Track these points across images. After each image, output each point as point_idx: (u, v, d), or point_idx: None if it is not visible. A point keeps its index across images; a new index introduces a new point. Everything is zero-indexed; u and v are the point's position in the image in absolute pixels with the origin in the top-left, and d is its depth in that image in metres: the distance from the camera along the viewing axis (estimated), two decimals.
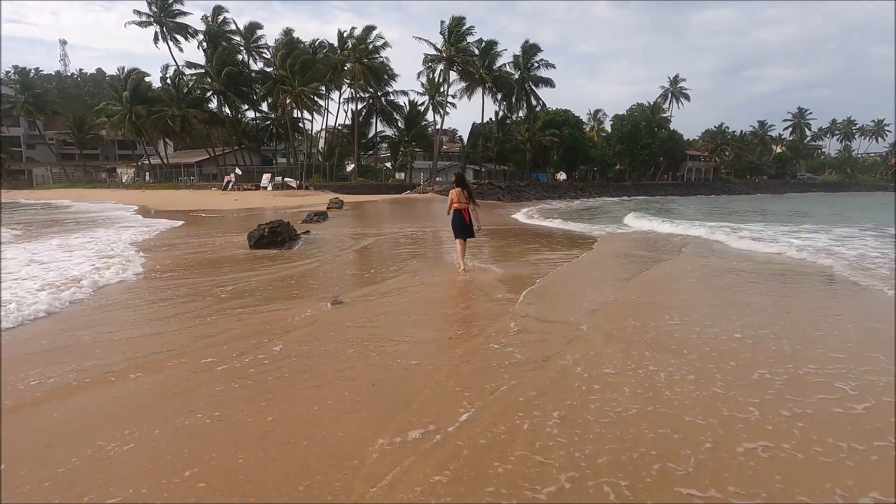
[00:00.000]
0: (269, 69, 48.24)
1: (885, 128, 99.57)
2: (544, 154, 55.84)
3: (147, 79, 50.16)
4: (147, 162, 56.70)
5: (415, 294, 6.52)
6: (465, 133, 65.20)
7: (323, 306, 5.70)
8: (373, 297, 6.29)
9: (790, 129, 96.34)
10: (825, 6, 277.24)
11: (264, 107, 51.34)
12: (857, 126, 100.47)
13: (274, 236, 10.29)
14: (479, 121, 53.09)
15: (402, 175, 51.56)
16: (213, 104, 49.85)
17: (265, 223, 10.51)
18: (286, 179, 42.74)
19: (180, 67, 48.21)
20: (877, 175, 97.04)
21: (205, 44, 47.51)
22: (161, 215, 22.31)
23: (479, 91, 48.59)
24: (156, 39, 46.35)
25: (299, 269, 8.34)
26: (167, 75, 48.98)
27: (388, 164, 54.02)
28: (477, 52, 46.52)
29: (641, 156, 65.59)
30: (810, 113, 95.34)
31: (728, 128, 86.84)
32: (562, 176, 59.78)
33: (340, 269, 8.55)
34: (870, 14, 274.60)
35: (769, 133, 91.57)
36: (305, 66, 42.67)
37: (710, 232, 14.00)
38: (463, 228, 7.94)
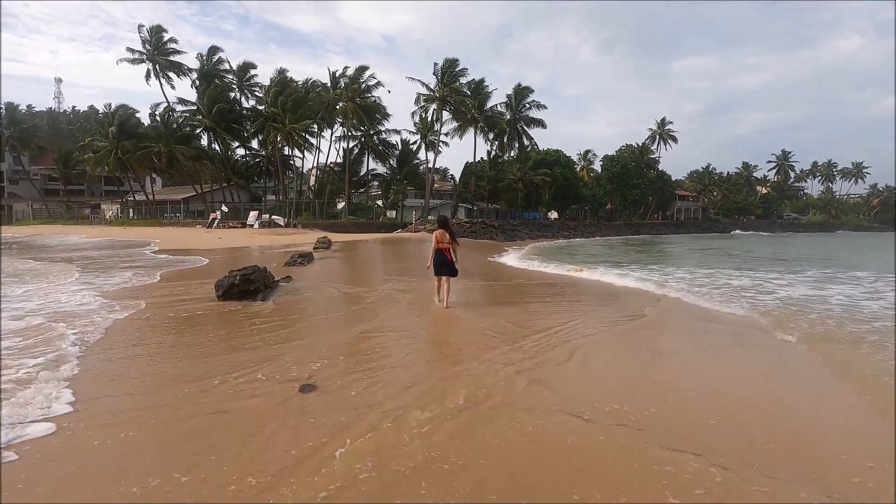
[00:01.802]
0: (260, 107, 48.02)
1: (864, 170, 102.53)
2: (536, 193, 55.67)
3: (137, 115, 49.63)
4: (132, 198, 55.46)
5: (407, 374, 5.27)
6: (456, 172, 65.29)
7: (289, 392, 4.44)
8: (357, 374, 5.04)
9: (775, 170, 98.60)
10: (799, 53, 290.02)
11: (255, 144, 50.89)
12: (838, 168, 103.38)
13: (246, 285, 9.04)
14: (471, 160, 53.14)
15: (394, 213, 50.78)
16: (204, 141, 49.25)
17: (236, 270, 9.27)
18: (273, 217, 41.68)
19: (171, 104, 47.84)
20: (860, 216, 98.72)
21: (197, 81, 47.34)
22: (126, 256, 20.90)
23: (471, 131, 48.70)
24: (147, 76, 46.06)
25: (270, 331, 7.06)
26: (157, 112, 48.51)
27: (380, 202, 53.30)
28: (469, 92, 46.79)
29: (632, 195, 65.93)
30: (793, 155, 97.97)
31: (715, 168, 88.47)
32: (553, 215, 59.46)
33: (319, 333, 7.27)
34: (837, 59, 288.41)
35: (754, 174, 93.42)
36: (297, 104, 42.40)
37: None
38: (444, 265, 8.76)
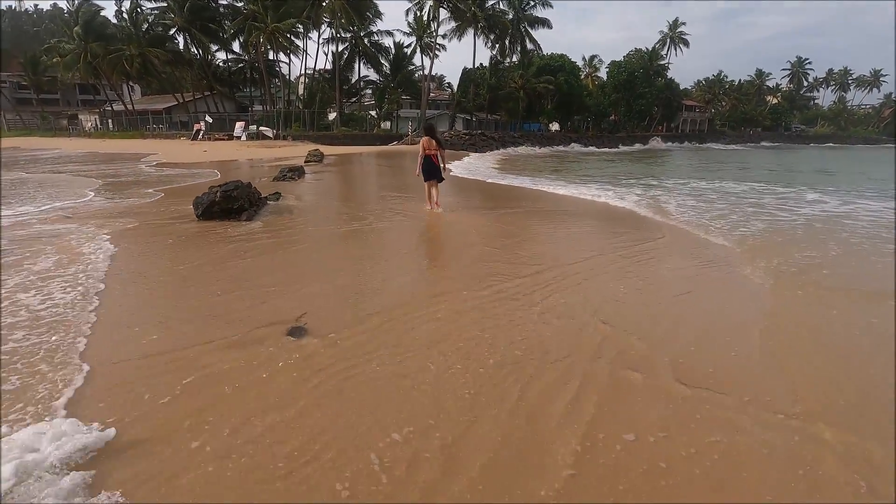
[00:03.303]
0: (238, 3, 43.51)
1: (882, 78, 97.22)
2: (539, 103, 52.67)
3: (102, 12, 45.02)
4: (111, 108, 52.16)
5: (421, 322, 4.47)
6: (454, 80, 61.40)
7: (276, 340, 3.65)
8: (359, 322, 4.24)
9: (788, 79, 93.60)
10: None
11: (236, 47, 46.85)
12: (854, 76, 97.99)
13: (228, 203, 8.02)
14: (470, 66, 49.47)
15: (388, 124, 48.20)
16: (180, 44, 45.21)
17: (216, 186, 8.19)
18: (262, 129, 39.36)
19: (137, 0, 43.16)
20: (868, 127, 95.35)
21: None
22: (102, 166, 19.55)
23: (470, 32, 44.80)
24: None
25: (253, 261, 6.18)
26: (123, 9, 43.89)
27: (373, 113, 50.34)
28: None
29: (637, 105, 62.71)
30: (809, 62, 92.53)
31: (726, 76, 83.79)
32: (555, 126, 56.73)
33: (312, 262, 6.41)
34: None
35: (766, 83, 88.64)
36: (279, 1, 38.34)
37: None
38: (432, 171, 9.32)
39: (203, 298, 4.58)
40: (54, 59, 46.68)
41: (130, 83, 51.36)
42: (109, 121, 51.57)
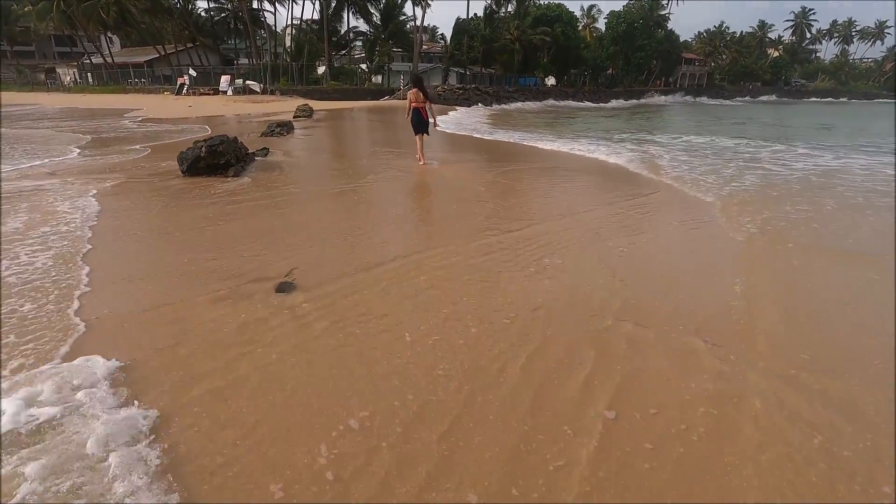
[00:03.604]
0: None
1: (886, 30, 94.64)
2: (534, 55, 51.10)
3: None
4: (89, 61, 50.05)
5: (412, 278, 4.45)
6: (447, 32, 59.23)
7: (264, 296, 3.63)
8: (348, 276, 4.22)
9: (791, 30, 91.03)
10: None
11: None
12: (858, 28, 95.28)
13: (214, 158, 7.83)
14: (464, 16, 47.60)
15: (379, 78, 46.76)
16: None
17: (201, 140, 7.96)
18: (248, 83, 38.08)
19: None
20: (869, 82, 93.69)
21: None
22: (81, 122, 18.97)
23: None
24: None
25: (242, 217, 6.09)
26: None
27: (364, 66, 48.67)
28: None
29: (636, 58, 61.09)
30: (813, 13, 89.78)
31: (728, 28, 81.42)
32: (551, 81, 55.30)
33: (302, 218, 6.32)
34: None
35: (768, 35, 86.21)
36: None
37: None
38: (421, 124, 9.40)
39: (190, 255, 4.53)
40: (26, 8, 44.30)
41: (108, 34, 49.03)
42: (89, 74, 49.64)
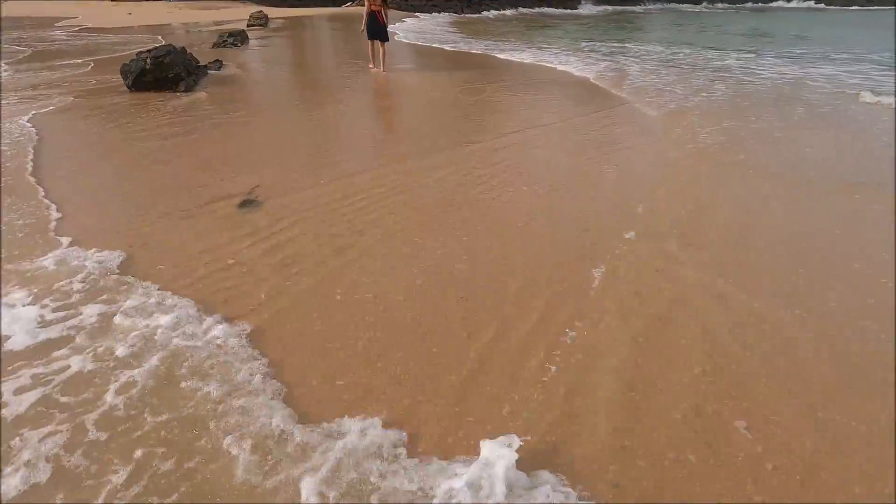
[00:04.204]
0: None
1: None
2: None
3: None
4: None
5: (376, 187, 4.39)
6: None
7: (228, 212, 3.57)
8: (321, 183, 4.14)
9: None
10: None
11: None
12: None
13: (162, 71, 7.26)
14: None
15: None
16: None
17: (145, 51, 7.34)
18: None
19: None
20: None
21: None
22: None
23: None
24: None
25: (198, 134, 5.79)
26: None
27: None
28: None
29: None
30: None
31: None
32: None
33: (262, 134, 6.04)
34: None
35: None
36: None
37: None
38: (376, 31, 9.25)
39: (148, 174, 4.35)
40: None
41: None
42: None
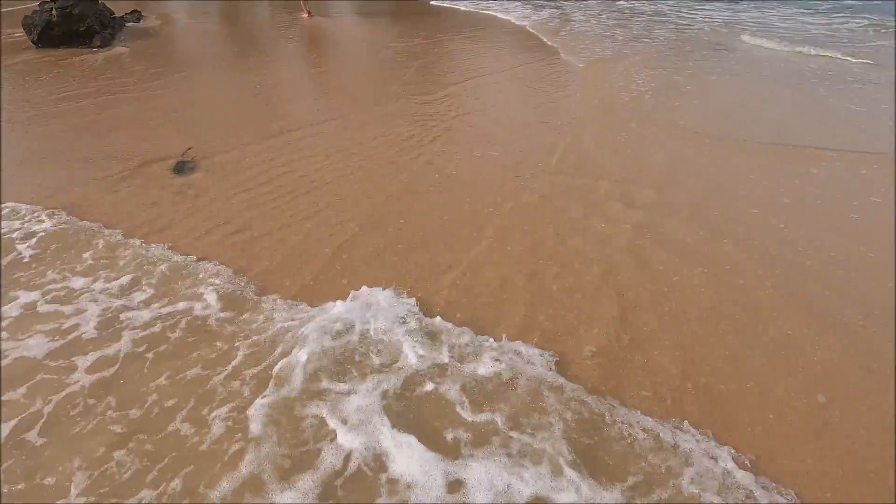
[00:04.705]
0: None
1: None
2: None
3: None
4: None
5: (322, 141, 4.29)
6: None
7: (160, 177, 3.42)
8: (247, 151, 4.00)
9: None
10: None
11: None
12: None
13: (71, 24, 6.60)
14: None
15: None
16: None
17: (49, 2, 6.60)
18: None
19: None
20: None
21: None
22: None
23: None
24: None
25: (119, 94, 5.38)
26: None
27: None
28: None
29: None
30: None
31: None
32: None
33: (191, 91, 5.68)
34: None
35: None
36: None
37: None
38: None
39: (68, 140, 4.06)
40: None
41: None
42: None
